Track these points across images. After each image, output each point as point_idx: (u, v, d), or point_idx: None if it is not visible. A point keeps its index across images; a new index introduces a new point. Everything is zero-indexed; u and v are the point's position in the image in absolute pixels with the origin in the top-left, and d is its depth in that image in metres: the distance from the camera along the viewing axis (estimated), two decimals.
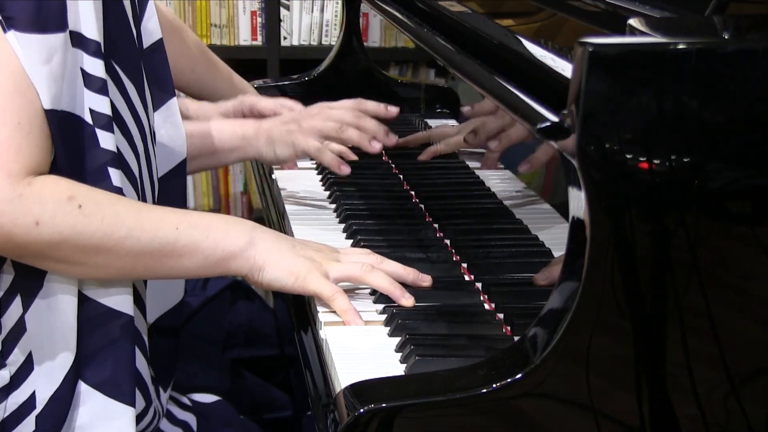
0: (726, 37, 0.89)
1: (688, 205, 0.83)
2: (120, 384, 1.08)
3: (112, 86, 1.08)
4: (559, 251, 1.22)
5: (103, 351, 1.08)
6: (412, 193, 1.48)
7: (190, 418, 1.27)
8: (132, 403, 1.09)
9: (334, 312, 1.10)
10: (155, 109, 1.18)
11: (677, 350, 0.87)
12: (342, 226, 1.37)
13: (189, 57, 1.57)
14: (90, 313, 1.07)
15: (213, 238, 1.07)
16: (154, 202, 1.17)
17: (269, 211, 1.57)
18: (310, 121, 1.38)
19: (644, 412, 0.88)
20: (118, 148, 1.08)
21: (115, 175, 1.06)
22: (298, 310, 1.20)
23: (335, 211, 1.43)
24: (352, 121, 1.38)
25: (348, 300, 1.09)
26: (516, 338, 0.96)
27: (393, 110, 1.46)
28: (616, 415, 0.88)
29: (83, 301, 1.07)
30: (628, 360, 0.87)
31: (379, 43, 2.76)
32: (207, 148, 1.36)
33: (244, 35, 2.76)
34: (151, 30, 1.17)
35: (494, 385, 0.86)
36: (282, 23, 2.74)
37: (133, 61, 1.12)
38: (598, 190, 0.82)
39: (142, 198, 1.13)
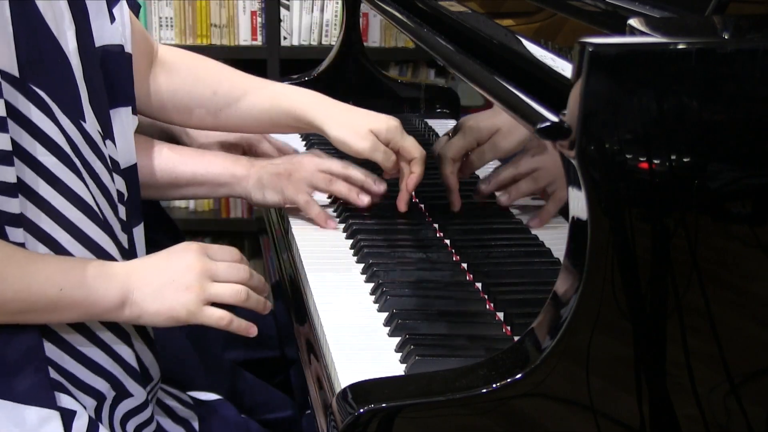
0: (726, 37, 0.89)
1: (688, 205, 0.83)
2: (36, 389, 1.07)
3: (36, 111, 1.05)
4: (559, 251, 1.22)
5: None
6: (413, 193, 1.48)
7: (192, 416, 1.27)
8: (52, 406, 1.07)
9: (336, 311, 1.11)
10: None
11: (677, 350, 0.86)
12: (342, 225, 1.37)
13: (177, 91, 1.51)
14: None
15: (93, 298, 1.09)
16: (119, 192, 1.16)
17: (269, 212, 1.57)
18: (301, 172, 1.39)
19: (644, 412, 0.88)
20: (51, 169, 1.06)
21: (8, 204, 1.04)
22: (297, 310, 1.20)
23: (335, 210, 1.43)
24: (341, 173, 1.39)
25: (240, 321, 1.14)
26: (516, 338, 0.96)
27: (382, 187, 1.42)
28: (616, 415, 0.88)
29: None
30: (628, 360, 0.87)
31: (379, 43, 2.76)
32: (197, 178, 1.37)
33: (244, 35, 2.76)
34: (111, 34, 1.17)
35: (494, 385, 0.86)
36: (282, 23, 2.74)
37: (58, 70, 1.09)
38: (598, 190, 0.82)
39: (102, 191, 1.12)
